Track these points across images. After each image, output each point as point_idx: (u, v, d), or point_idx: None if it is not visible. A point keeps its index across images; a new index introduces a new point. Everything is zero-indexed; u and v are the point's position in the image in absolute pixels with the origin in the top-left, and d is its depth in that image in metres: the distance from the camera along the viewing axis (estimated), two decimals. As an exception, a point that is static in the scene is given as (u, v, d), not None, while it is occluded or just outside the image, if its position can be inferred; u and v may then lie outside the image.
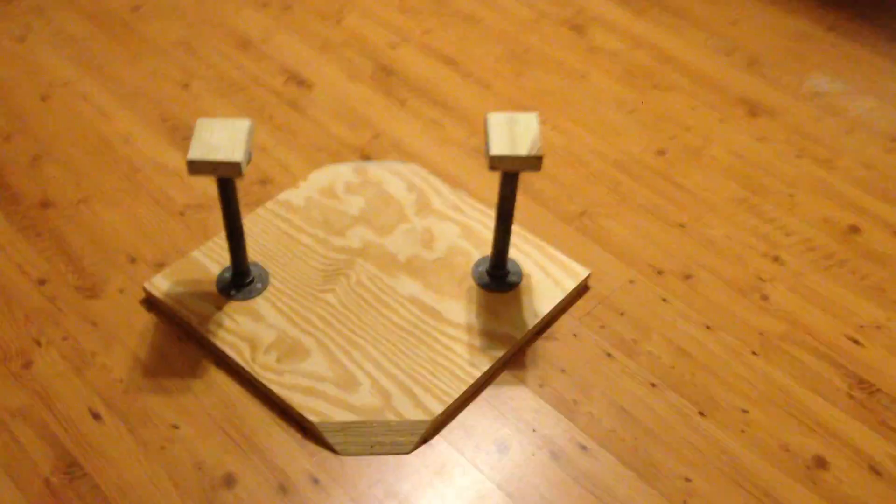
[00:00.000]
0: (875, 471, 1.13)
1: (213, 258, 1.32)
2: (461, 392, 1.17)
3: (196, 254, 1.32)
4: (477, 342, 1.23)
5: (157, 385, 1.19)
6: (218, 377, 1.21)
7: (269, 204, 1.39)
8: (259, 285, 1.28)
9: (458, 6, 1.85)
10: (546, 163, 1.51)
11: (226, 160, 1.09)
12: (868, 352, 1.26)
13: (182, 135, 1.54)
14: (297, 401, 1.15)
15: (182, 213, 1.41)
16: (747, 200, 1.47)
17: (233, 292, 1.27)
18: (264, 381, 1.17)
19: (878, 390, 1.22)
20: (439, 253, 1.34)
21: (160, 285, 1.28)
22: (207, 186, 1.45)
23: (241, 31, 1.76)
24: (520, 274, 1.31)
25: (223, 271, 1.30)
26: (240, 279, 1.27)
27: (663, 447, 1.15)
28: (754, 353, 1.26)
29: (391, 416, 1.15)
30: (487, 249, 1.34)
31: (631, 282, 1.35)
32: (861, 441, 1.16)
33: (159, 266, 1.34)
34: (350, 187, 1.43)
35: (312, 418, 1.14)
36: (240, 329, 1.23)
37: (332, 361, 1.20)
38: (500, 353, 1.22)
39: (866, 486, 1.12)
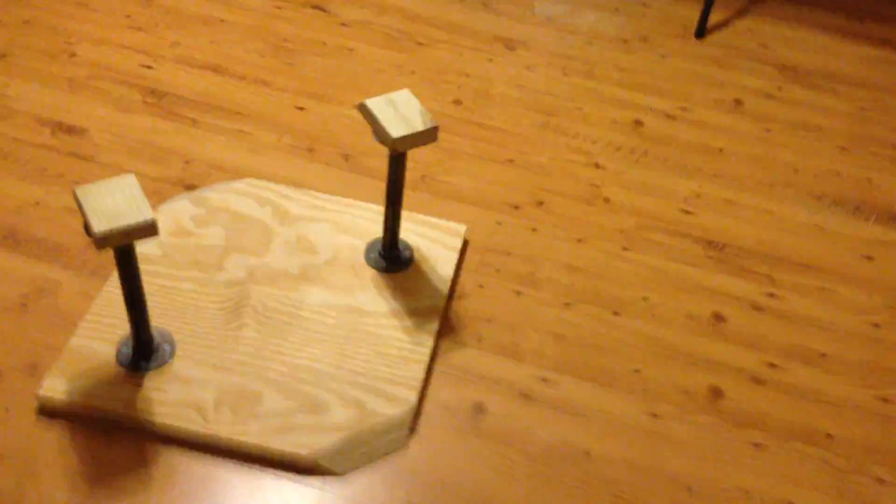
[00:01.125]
0: (757, 307, 1.35)
1: (99, 338, 1.18)
2: (423, 372, 1.19)
3: (75, 341, 1.18)
4: (409, 322, 1.24)
5: (114, 495, 1.06)
6: (175, 457, 1.10)
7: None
8: (167, 347, 1.17)
9: (191, 11, 1.76)
10: (367, 139, 1.53)
11: (138, 223, 0.99)
12: (702, 217, 1.47)
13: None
14: (276, 444, 1.10)
15: (24, 306, 1.24)
16: (548, 123, 1.62)
17: (143, 364, 1.15)
18: (233, 438, 1.10)
19: (726, 245, 1.44)
20: (326, 254, 1.32)
21: (56, 387, 1.12)
22: (32, 269, 1.28)
23: (-36, 94, 1.54)
24: (409, 248, 1.34)
25: (120, 347, 1.17)
26: (145, 348, 1.16)
27: (603, 352, 1.27)
28: (625, 249, 1.41)
29: (374, 420, 1.14)
30: (368, 236, 1.35)
31: (498, 223, 1.43)
32: (735, 289, 1.37)
33: (33, 370, 1.17)
34: (199, 220, 1.34)
35: (303, 452, 1.09)
36: (173, 398, 1.13)
37: (287, 392, 1.15)
38: (435, 325, 1.25)
39: (755, 320, 1.33)
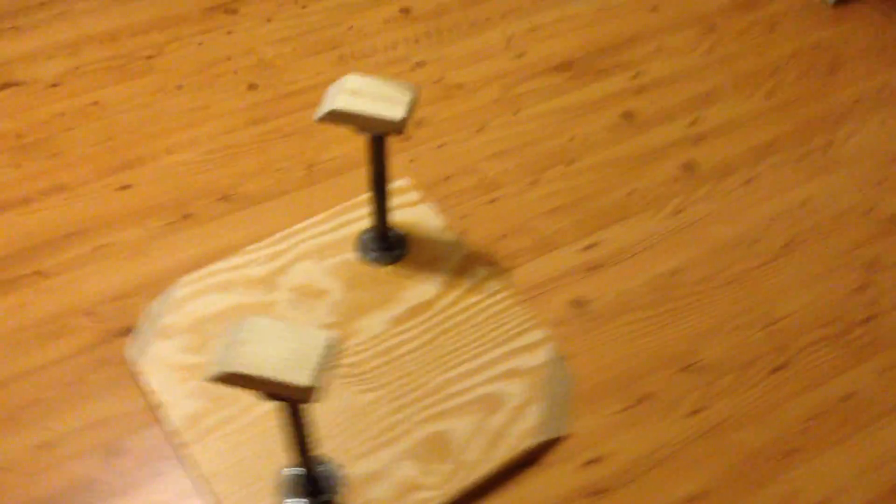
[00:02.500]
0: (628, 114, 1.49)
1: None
2: (528, 308, 1.17)
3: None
4: (467, 280, 1.19)
5: None
6: None
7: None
8: (331, 482, 1.01)
9: None
10: (218, 172, 1.34)
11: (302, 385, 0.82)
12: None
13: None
14: (511, 452, 1.03)
15: None
16: (343, 57, 1.53)
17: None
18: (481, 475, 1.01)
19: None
20: (334, 282, 1.18)
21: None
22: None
23: None
24: (393, 229, 1.24)
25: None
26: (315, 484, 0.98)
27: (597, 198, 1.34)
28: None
29: (538, 373, 1.11)
30: (347, 248, 1.22)
31: (411, 160, 1.37)
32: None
33: None
34: (194, 346, 1.11)
35: (541, 438, 1.05)
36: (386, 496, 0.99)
37: (459, 414, 1.07)
38: (485, 267, 1.21)
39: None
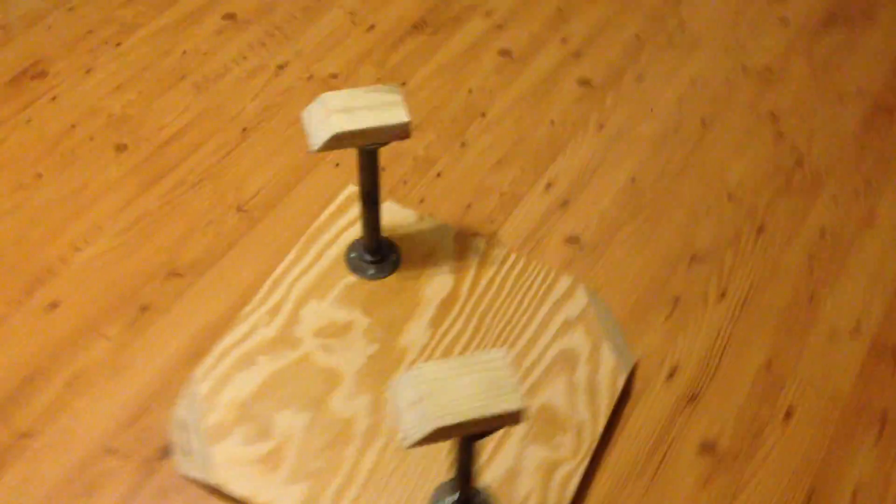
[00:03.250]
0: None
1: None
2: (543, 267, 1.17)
3: None
4: (487, 269, 1.16)
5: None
6: None
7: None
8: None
9: None
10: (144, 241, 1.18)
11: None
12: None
13: None
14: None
15: None
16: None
17: None
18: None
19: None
20: (354, 315, 1.10)
21: None
22: None
23: None
24: (385, 239, 1.17)
25: None
26: None
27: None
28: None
29: (572, 309, 1.12)
30: (337, 282, 1.14)
31: (337, 164, 1.29)
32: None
33: None
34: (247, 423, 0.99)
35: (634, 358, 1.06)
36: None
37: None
38: (483, 241, 1.19)
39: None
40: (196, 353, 1.10)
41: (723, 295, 1.19)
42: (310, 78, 1.41)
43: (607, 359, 1.09)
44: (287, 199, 1.26)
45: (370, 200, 1.09)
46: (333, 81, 1.41)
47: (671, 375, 1.11)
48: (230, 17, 1.49)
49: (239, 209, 1.24)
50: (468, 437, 0.79)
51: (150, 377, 1.08)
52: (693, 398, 1.10)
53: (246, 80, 1.40)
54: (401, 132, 0.99)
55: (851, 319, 1.17)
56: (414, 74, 1.42)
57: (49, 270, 1.17)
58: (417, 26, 1.49)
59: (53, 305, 1.13)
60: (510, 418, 0.78)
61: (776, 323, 1.16)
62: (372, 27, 1.49)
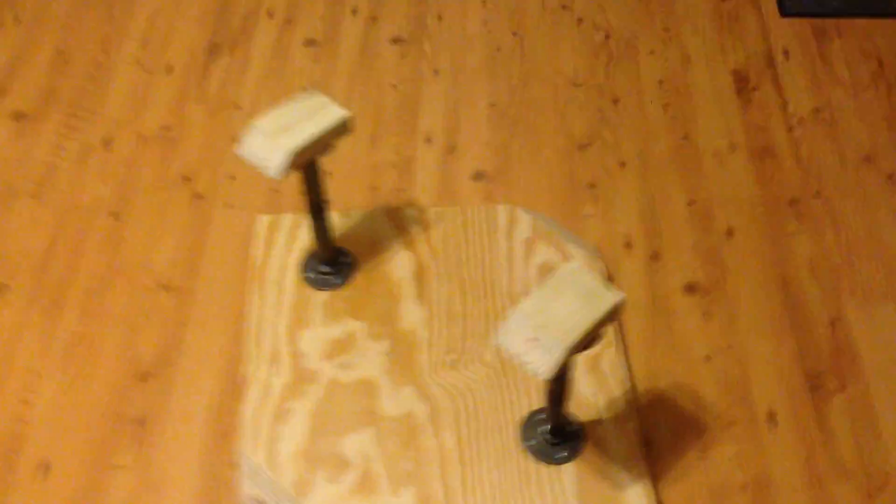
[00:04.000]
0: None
1: None
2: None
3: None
4: (449, 238, 1.19)
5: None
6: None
7: None
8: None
9: None
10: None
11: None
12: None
13: None
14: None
15: None
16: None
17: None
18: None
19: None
20: (355, 328, 1.09)
21: None
22: None
23: None
24: (335, 245, 1.15)
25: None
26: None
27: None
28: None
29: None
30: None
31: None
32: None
33: None
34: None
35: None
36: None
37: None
38: (447, 213, 1.21)
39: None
40: (223, 434, 1.04)
41: (623, 164, 1.32)
42: (142, 138, 1.33)
43: (577, 256, 1.18)
44: (203, 255, 1.20)
45: (319, 211, 1.08)
46: (169, 133, 1.34)
47: (628, 245, 1.23)
48: (20, 115, 1.36)
49: (166, 288, 1.17)
50: (583, 347, 0.84)
51: (191, 480, 1.01)
52: (655, 256, 1.22)
53: (79, 167, 1.30)
54: (346, 127, 0.99)
55: (723, 139, 1.34)
56: (242, 94, 1.39)
57: (14, 437, 1.04)
58: (213, 51, 1.45)
59: (45, 467, 1.02)
60: (614, 312, 0.84)
61: (675, 166, 1.31)
62: (170, 68, 1.42)
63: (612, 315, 0.85)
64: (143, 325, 1.14)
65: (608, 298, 0.84)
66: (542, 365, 0.81)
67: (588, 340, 0.84)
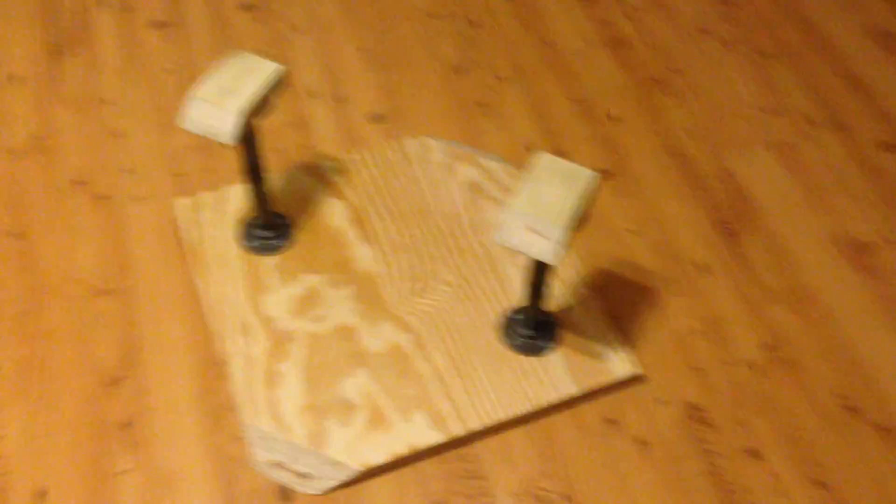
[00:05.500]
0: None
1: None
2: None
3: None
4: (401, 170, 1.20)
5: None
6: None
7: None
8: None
9: None
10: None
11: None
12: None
13: None
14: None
15: None
16: None
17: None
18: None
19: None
20: (318, 285, 1.10)
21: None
22: None
23: None
24: (267, 211, 1.14)
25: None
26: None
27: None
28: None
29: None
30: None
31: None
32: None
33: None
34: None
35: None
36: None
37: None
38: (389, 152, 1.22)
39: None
40: (215, 415, 1.03)
41: (500, 78, 1.39)
42: (14, 153, 1.25)
43: (492, 167, 1.25)
44: (129, 253, 1.16)
45: (259, 177, 1.07)
46: (43, 143, 1.26)
47: (529, 149, 1.30)
48: None
49: (103, 293, 1.12)
50: (578, 225, 0.91)
51: (200, 464, 1.00)
52: (559, 154, 1.30)
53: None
54: (285, 81, 0.99)
55: (579, 39, 1.44)
56: (103, 87, 1.33)
57: (-8, 480, 0.97)
58: (55, 52, 1.37)
59: (41, 494, 0.96)
60: (595, 186, 0.92)
61: (547, 70, 1.40)
62: (20, 78, 1.33)
63: (594, 192, 0.92)
64: (92, 334, 1.09)
65: (585, 176, 0.91)
66: (548, 249, 0.87)
67: (580, 219, 0.91)
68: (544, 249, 0.87)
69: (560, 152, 1.30)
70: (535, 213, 0.87)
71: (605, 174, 1.28)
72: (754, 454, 1.04)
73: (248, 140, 1.02)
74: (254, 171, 1.06)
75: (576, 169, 0.92)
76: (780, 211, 1.26)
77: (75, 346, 1.08)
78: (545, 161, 0.92)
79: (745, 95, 1.39)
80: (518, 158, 1.29)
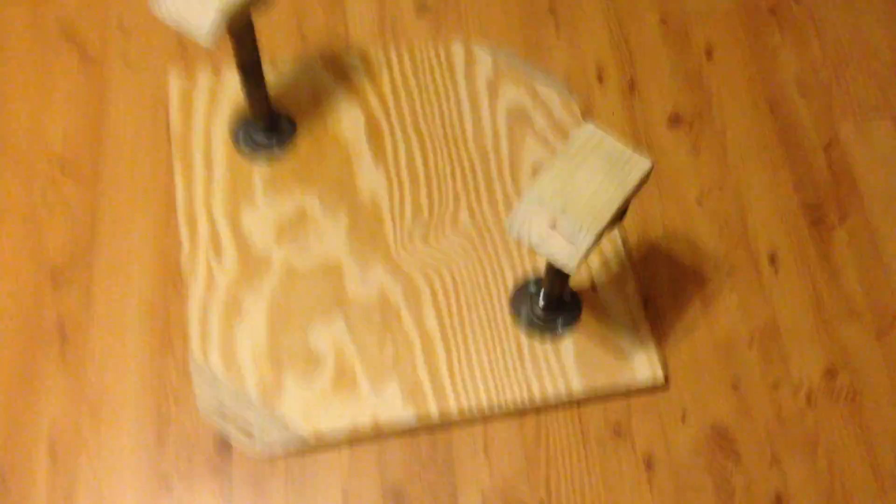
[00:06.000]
0: None
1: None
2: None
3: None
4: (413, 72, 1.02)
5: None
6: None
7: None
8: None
9: None
10: None
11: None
12: None
13: None
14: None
15: None
16: None
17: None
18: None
19: None
20: (302, 200, 0.94)
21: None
22: None
23: None
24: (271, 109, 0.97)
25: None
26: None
27: None
28: None
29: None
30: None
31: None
32: None
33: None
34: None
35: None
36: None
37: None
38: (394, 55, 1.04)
39: None
40: (163, 339, 0.89)
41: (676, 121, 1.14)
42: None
43: (548, 95, 1.03)
44: (105, 129, 1.01)
45: (253, 74, 0.89)
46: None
47: (600, 78, 1.08)
48: None
49: (67, 173, 0.98)
50: (611, 226, 0.71)
51: (134, 396, 0.87)
52: (631, 86, 1.08)
53: None
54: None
55: None
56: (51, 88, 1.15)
57: None
58: None
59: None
60: (645, 179, 0.71)
61: (641, -18, 1.16)
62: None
63: (644, 180, 0.71)
64: (47, 219, 0.95)
65: (638, 166, 0.70)
66: (569, 257, 0.68)
67: (624, 209, 0.71)
68: (562, 254, 0.68)
69: (632, 83, 1.08)
70: (563, 205, 0.68)
71: (681, 121, 1.06)
72: (781, 501, 0.87)
73: (242, 32, 0.83)
74: (248, 68, 0.88)
75: (626, 154, 0.71)
76: (887, 206, 1.02)
77: (25, 229, 0.95)
78: (590, 136, 0.71)
79: (883, 47, 1.12)
80: (583, 88, 1.07)
